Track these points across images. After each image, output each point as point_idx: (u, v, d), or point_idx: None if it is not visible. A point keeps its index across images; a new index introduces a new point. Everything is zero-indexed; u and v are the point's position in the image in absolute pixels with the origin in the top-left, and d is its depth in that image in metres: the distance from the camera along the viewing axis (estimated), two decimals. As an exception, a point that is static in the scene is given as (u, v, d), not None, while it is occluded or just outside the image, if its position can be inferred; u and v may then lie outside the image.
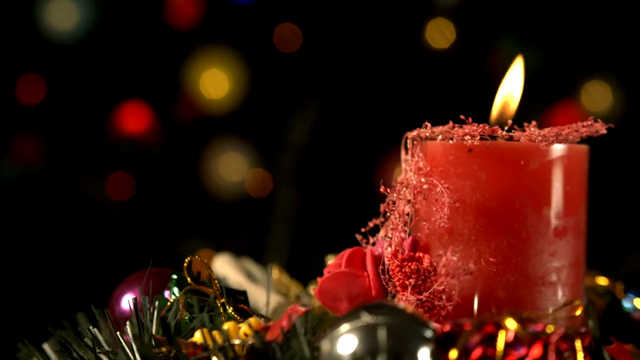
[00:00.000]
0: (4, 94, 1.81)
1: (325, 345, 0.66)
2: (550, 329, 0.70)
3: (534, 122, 0.83)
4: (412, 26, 1.80)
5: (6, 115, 1.82)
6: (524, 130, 0.83)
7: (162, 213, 1.87)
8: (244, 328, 0.73)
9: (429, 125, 0.81)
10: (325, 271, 0.84)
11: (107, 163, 1.85)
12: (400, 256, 0.79)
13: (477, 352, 0.69)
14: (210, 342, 0.70)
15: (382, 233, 0.84)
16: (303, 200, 1.84)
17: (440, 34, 1.79)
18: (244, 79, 1.87)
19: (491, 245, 0.81)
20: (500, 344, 0.69)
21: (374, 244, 0.84)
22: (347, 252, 0.83)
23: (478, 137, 0.80)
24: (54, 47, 1.82)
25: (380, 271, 0.81)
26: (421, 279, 0.78)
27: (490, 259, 0.80)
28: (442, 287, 0.77)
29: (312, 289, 1.05)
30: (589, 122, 0.84)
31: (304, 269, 1.07)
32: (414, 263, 0.78)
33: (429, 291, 0.78)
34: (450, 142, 0.81)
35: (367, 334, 0.65)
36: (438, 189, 0.79)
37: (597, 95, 1.79)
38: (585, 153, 0.86)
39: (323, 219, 1.85)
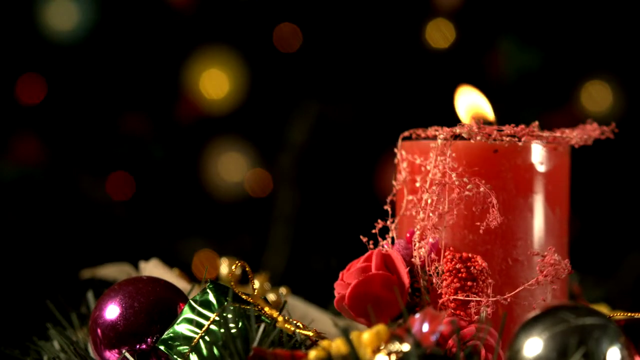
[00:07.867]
0: (4, 94, 1.81)
1: (525, 349, 0.65)
2: None
3: (536, 123, 0.83)
4: (412, 26, 1.80)
5: (6, 115, 1.82)
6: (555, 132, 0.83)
7: (162, 213, 1.87)
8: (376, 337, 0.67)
9: (466, 125, 0.80)
10: (346, 276, 0.80)
11: (107, 163, 1.85)
12: (458, 256, 0.78)
13: None
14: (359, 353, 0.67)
15: (392, 234, 0.83)
16: (303, 200, 1.84)
17: (440, 34, 1.79)
18: (244, 79, 1.87)
19: (517, 244, 0.81)
20: None
21: (383, 245, 0.83)
22: (374, 253, 0.80)
23: (524, 138, 0.80)
24: (53, 47, 1.82)
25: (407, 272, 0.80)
26: (482, 279, 0.77)
27: (519, 258, 0.80)
28: (534, 287, 0.77)
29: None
30: (595, 125, 0.86)
31: (304, 270, 1.07)
32: (477, 264, 0.77)
33: (512, 293, 0.77)
34: (491, 142, 0.81)
35: (581, 335, 0.65)
36: (481, 190, 0.78)
37: (597, 95, 1.79)
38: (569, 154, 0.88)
39: (323, 219, 1.85)
